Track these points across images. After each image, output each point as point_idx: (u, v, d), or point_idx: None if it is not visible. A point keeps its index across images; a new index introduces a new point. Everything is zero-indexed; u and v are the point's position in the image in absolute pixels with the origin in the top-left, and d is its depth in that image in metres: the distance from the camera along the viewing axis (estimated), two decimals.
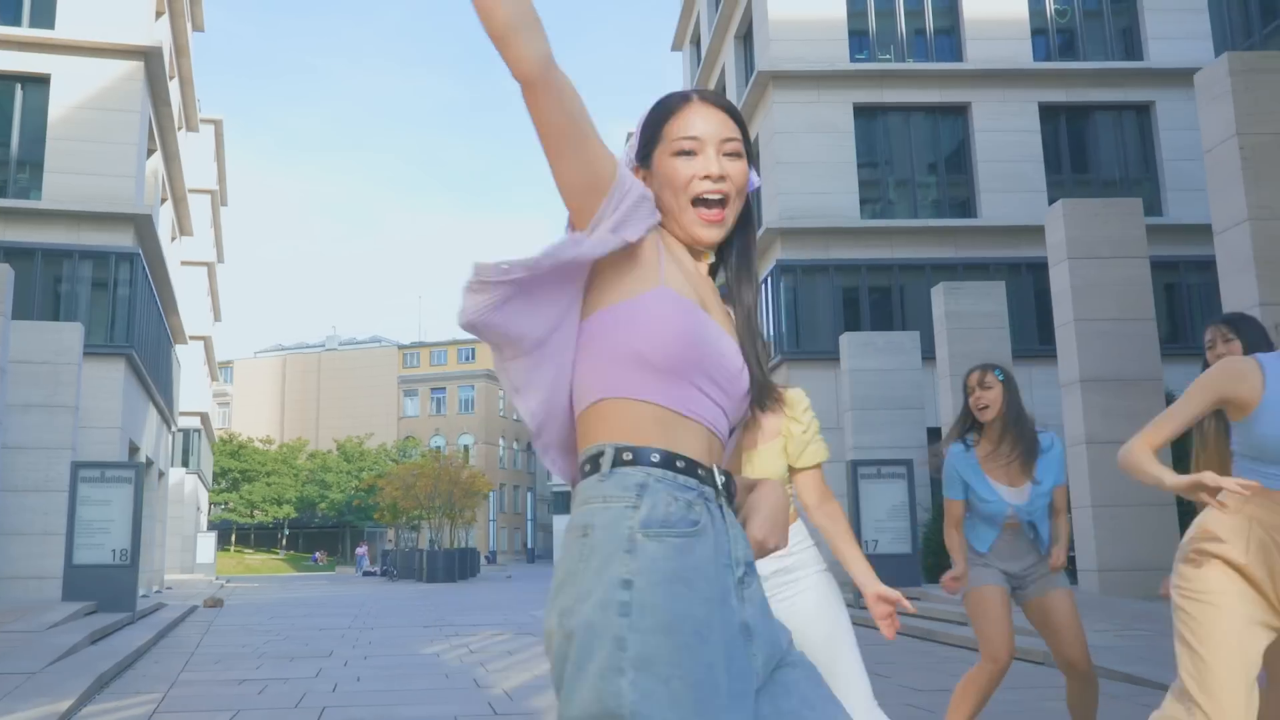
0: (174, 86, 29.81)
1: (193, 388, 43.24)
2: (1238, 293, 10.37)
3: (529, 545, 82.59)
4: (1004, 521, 4.75)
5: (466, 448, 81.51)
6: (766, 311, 25.63)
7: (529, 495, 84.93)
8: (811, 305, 24.68)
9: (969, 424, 4.87)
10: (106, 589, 14.80)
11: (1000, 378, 4.77)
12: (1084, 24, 26.20)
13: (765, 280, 25.72)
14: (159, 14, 26.35)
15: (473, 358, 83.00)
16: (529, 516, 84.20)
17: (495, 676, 8.88)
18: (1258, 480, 3.14)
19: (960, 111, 25.57)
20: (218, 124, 43.93)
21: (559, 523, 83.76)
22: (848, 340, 21.07)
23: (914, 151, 25.57)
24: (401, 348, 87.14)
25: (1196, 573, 3.20)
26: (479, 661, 10.09)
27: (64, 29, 22.84)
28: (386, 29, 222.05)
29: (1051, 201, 24.81)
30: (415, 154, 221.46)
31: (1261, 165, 10.16)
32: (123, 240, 22.64)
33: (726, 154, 1.93)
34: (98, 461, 16.20)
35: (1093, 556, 13.44)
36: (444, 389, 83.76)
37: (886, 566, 16.64)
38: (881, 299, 24.72)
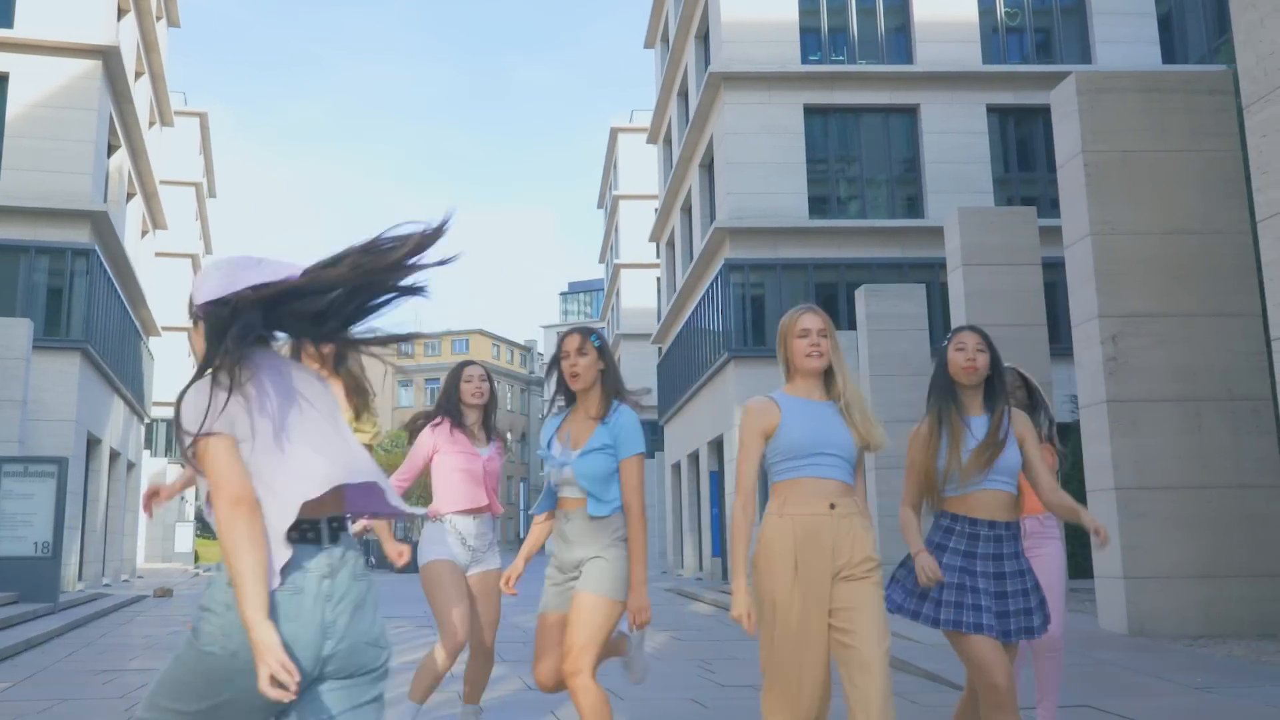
0: (144, 83, 30.24)
1: (176, 378, 43.69)
2: (1082, 305, 10.71)
3: (521, 536, 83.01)
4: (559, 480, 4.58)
5: None
6: (715, 309, 26.00)
7: (521, 485, 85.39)
8: (760, 304, 25.02)
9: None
10: (28, 580, 15.25)
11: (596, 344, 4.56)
12: (1033, 27, 26.47)
13: (714, 279, 26.06)
14: (124, 12, 26.74)
15: (466, 348, 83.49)
16: (521, 506, 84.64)
17: None
18: (791, 476, 3.94)
19: (910, 113, 25.86)
20: (202, 116, 44.37)
21: None
22: None
23: (863, 153, 25.87)
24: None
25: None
26: None
27: (22, 28, 23.27)
28: (389, 19, 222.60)
29: (998, 203, 25.18)
30: (417, 144, 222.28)
31: (1103, 182, 10.49)
32: (80, 236, 23.08)
33: None
34: (20, 456, 16.65)
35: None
36: (438, 379, 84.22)
37: None
38: (829, 298, 25.02)
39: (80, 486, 23.23)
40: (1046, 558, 5.70)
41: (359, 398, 4.81)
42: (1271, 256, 7.23)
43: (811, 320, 4.04)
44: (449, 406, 5.76)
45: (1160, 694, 7.19)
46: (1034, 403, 5.64)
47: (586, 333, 4.50)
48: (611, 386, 4.52)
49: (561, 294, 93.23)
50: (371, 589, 2.56)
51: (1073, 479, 12.35)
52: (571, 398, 4.59)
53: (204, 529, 54.56)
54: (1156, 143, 10.61)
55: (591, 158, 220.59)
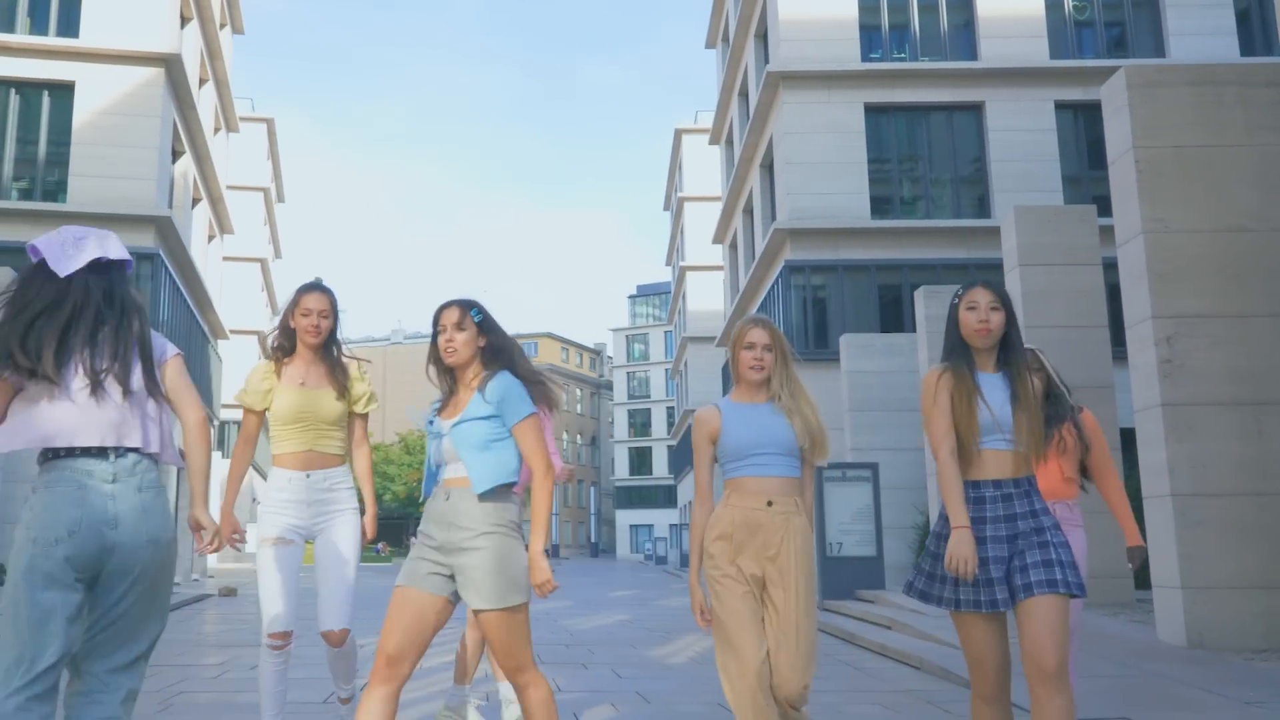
0: (209, 89, 30.64)
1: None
2: (1135, 305, 10.37)
3: (592, 539, 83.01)
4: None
5: None
6: (777, 311, 25.73)
7: (592, 490, 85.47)
8: (821, 306, 24.73)
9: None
10: None
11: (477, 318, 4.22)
12: (1103, 21, 25.89)
13: (775, 281, 25.80)
14: (186, 20, 27.11)
15: (535, 352, 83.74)
16: (592, 510, 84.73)
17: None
18: (736, 475, 4.33)
19: (975, 110, 25.41)
20: (270, 122, 44.93)
21: (621, 517, 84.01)
22: (847, 342, 21.12)
23: (927, 151, 25.47)
24: None
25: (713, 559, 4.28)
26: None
27: (88, 37, 23.68)
28: (455, 20, 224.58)
29: (1068, 201, 24.64)
30: (490, 146, 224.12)
31: (1155, 179, 10.13)
32: (144, 241, 23.41)
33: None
34: None
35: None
36: None
37: (851, 569, 16.75)
38: (892, 300, 24.68)
39: None
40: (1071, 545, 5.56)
41: (339, 377, 5.23)
42: None
43: (758, 335, 4.42)
44: None
45: (1205, 708, 6.88)
46: (1051, 392, 5.39)
47: (467, 306, 4.18)
48: (496, 361, 4.18)
49: (630, 297, 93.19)
50: (160, 498, 3.22)
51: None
52: (450, 373, 4.24)
53: None
54: (1210, 138, 10.22)
55: (659, 159, 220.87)
